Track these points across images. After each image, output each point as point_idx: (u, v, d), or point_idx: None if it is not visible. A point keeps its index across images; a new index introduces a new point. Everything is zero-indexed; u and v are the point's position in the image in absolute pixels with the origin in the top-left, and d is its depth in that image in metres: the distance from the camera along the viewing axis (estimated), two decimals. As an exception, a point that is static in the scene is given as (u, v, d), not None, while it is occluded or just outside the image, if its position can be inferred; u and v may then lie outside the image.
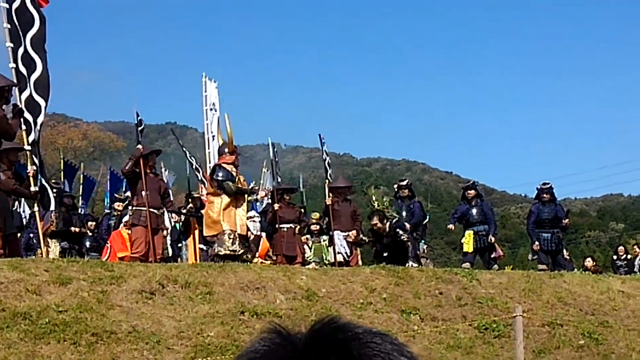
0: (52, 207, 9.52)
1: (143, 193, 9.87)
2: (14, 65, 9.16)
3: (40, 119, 9.36)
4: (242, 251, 9.75)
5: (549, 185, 12.68)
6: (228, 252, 9.64)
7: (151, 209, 9.91)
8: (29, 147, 9.11)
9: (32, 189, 8.94)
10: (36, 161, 9.19)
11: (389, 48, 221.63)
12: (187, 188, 15.77)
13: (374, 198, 12.15)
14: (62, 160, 17.26)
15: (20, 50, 9.26)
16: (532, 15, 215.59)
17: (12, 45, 9.19)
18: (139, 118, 10.93)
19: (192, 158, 15.34)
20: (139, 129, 10.90)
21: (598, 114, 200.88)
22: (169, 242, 13.17)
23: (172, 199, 11.37)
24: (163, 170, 17.64)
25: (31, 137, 9.20)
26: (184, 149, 15.52)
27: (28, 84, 9.30)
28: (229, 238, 9.66)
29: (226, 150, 10.30)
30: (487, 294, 8.51)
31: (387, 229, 10.56)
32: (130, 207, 10.57)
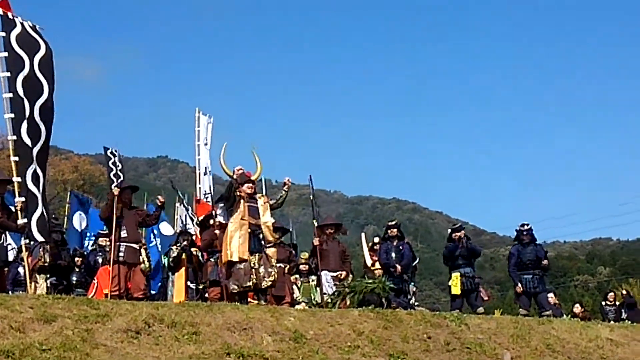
0: (40, 239, 9.37)
1: (121, 230, 9.90)
2: (10, 95, 9.12)
3: (38, 145, 9.24)
4: (255, 283, 9.51)
5: (528, 227, 12.68)
6: (242, 289, 9.50)
7: (129, 244, 9.91)
8: (18, 179, 9.00)
9: (20, 222, 8.81)
10: (33, 189, 9.08)
11: (380, 88, 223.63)
12: (180, 224, 15.81)
13: (364, 243, 12.13)
14: (69, 193, 17.03)
15: (21, 77, 9.17)
16: (524, 56, 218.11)
17: (8, 74, 9.16)
18: (109, 151, 10.82)
19: (184, 196, 15.39)
20: (111, 161, 10.82)
21: (588, 157, 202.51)
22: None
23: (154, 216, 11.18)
24: (146, 203, 17.55)
25: (32, 168, 9.11)
26: (179, 193, 15.58)
27: (32, 111, 9.19)
28: (245, 274, 9.48)
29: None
30: (475, 339, 8.44)
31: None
32: (108, 244, 10.55)
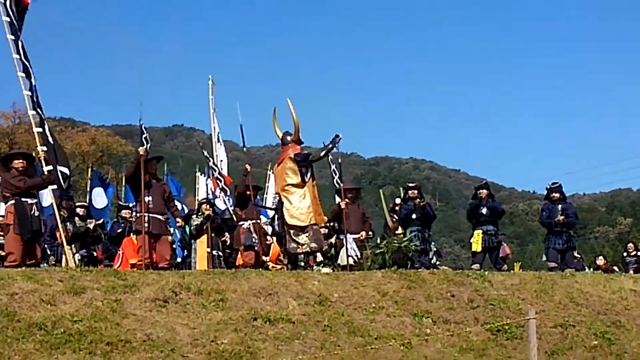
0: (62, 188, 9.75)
1: (146, 199, 9.80)
2: (17, 57, 9.50)
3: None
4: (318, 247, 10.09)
5: (557, 184, 12.67)
6: (308, 249, 9.78)
7: (154, 215, 9.83)
8: (44, 148, 9.33)
9: (45, 169, 9.25)
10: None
11: (395, 50, 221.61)
12: (205, 193, 16.05)
13: (384, 203, 12.16)
14: (89, 170, 17.09)
15: (20, 42, 9.62)
16: (537, 14, 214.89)
17: (13, 37, 9.58)
18: (141, 123, 10.95)
19: (215, 166, 15.52)
20: (144, 136, 10.92)
21: (606, 108, 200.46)
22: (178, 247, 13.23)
23: (176, 203, 11.28)
24: (166, 175, 17.74)
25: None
26: (212, 163, 15.73)
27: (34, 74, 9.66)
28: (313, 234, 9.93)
29: (289, 139, 10.40)
30: (499, 295, 8.50)
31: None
32: (134, 214, 10.57)
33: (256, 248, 11.53)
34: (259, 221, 11.94)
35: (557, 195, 12.52)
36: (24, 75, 9.46)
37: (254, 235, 11.57)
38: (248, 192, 11.77)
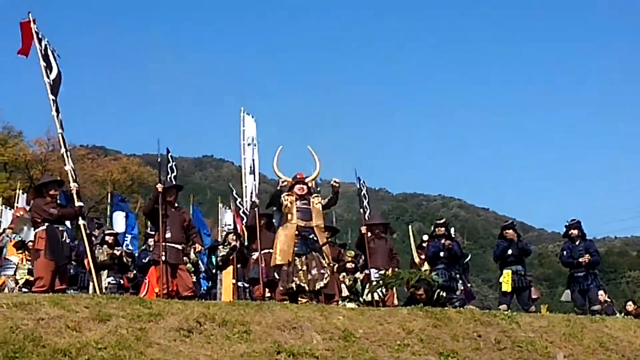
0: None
1: (164, 228, 9.89)
2: (53, 98, 9.78)
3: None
4: (299, 284, 9.47)
5: (576, 221, 12.37)
6: (286, 290, 9.52)
7: (172, 244, 9.89)
8: (75, 184, 9.48)
9: (77, 204, 9.45)
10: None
11: (425, 84, 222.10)
12: (224, 225, 16.09)
13: (412, 239, 12.08)
14: (108, 194, 17.27)
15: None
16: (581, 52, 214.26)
17: (50, 80, 9.82)
18: (170, 154, 11.03)
19: (238, 201, 15.71)
20: (169, 165, 11.03)
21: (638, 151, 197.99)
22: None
23: (197, 231, 11.33)
24: (191, 204, 17.88)
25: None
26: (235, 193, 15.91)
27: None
28: (288, 275, 9.50)
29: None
30: (527, 337, 8.34)
31: (429, 297, 10.14)
32: (153, 243, 10.63)
33: (263, 280, 11.47)
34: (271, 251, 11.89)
35: (576, 232, 12.20)
36: (54, 98, 9.73)
37: (262, 266, 11.52)
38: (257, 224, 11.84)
